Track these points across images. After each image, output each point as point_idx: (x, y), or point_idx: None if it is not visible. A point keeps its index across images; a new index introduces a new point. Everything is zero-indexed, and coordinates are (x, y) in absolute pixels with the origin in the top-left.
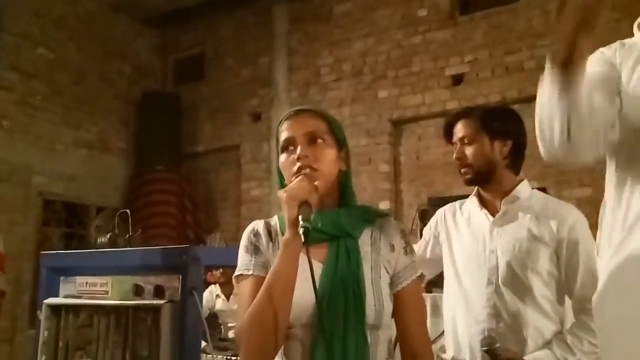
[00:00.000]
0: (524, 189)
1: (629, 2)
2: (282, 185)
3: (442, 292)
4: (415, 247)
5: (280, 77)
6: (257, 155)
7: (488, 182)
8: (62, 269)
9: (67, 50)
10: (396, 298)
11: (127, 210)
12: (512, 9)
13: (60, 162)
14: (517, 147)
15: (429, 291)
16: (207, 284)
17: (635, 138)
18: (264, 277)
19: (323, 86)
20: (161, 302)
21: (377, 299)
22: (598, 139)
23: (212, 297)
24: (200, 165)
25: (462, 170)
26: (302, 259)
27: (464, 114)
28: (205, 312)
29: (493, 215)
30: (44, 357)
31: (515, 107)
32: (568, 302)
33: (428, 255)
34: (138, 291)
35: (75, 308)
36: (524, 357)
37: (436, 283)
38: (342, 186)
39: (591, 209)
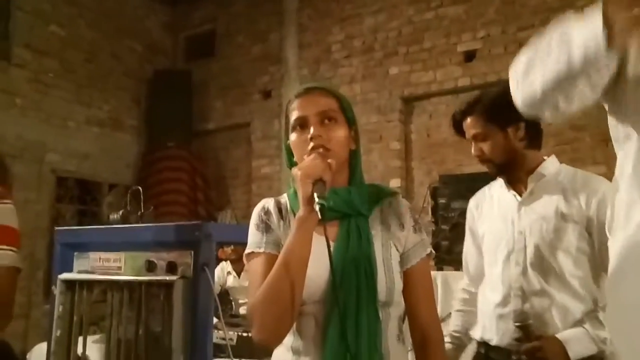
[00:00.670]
0: (551, 165)
1: None
2: (291, 163)
3: (452, 270)
4: (465, 244)
5: (290, 54)
6: (267, 132)
7: (513, 169)
8: (75, 245)
9: (78, 28)
10: (405, 276)
11: (139, 187)
12: None
13: (73, 140)
14: (530, 125)
15: (440, 269)
16: (218, 261)
17: None
18: (276, 255)
19: (334, 63)
20: (174, 278)
21: (389, 277)
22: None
23: (223, 273)
24: (211, 143)
25: (484, 164)
26: (314, 236)
27: (468, 111)
28: (216, 289)
29: (521, 195)
30: (59, 331)
31: None
32: None
33: (475, 249)
34: (151, 267)
35: (89, 283)
36: (556, 335)
37: (447, 261)
38: (352, 165)
39: None
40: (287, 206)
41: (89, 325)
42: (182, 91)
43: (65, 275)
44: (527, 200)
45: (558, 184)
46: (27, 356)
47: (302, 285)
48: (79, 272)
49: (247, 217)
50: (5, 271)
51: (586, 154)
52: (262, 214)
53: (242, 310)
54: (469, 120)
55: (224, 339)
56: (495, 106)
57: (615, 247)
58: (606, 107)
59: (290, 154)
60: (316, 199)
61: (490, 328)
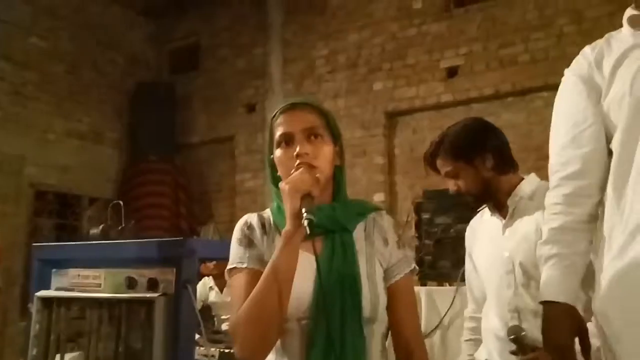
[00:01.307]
0: (527, 185)
1: None
2: (274, 178)
3: (436, 285)
4: (466, 269)
5: (275, 69)
6: (251, 146)
7: (491, 196)
8: (54, 261)
9: (59, 40)
10: (389, 291)
11: (120, 202)
12: (507, 3)
13: (53, 153)
14: (497, 152)
15: (423, 284)
16: (200, 276)
17: (629, 134)
18: (259, 271)
19: (318, 78)
20: (155, 295)
21: (373, 293)
22: None
23: (205, 289)
24: (194, 156)
25: (464, 197)
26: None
27: (434, 153)
28: (198, 304)
29: (505, 217)
30: (35, 349)
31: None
32: None
33: (475, 273)
34: (131, 284)
35: (68, 301)
36: None
37: (430, 276)
38: (336, 181)
39: None
40: (270, 221)
41: (66, 343)
42: (165, 104)
43: (42, 293)
44: (509, 222)
45: (535, 202)
46: None
47: (287, 302)
48: (57, 289)
49: (230, 231)
50: None
51: None
52: (245, 229)
53: (225, 326)
54: (438, 161)
55: (206, 355)
56: (458, 144)
57: (600, 270)
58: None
59: (273, 168)
60: (304, 214)
61: (494, 350)
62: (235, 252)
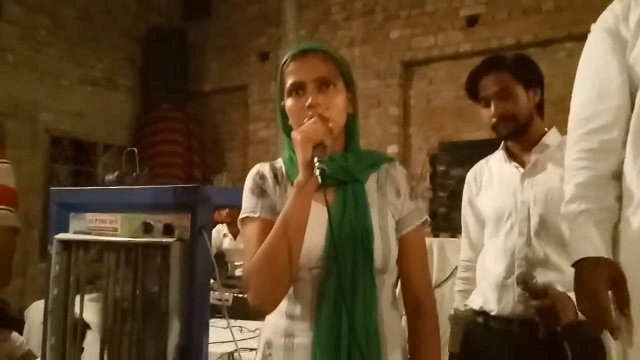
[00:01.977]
0: (553, 137)
1: None
2: (285, 126)
3: (449, 237)
4: (463, 216)
5: (289, 15)
6: (264, 95)
7: (524, 134)
8: (72, 205)
9: None
10: (400, 243)
11: (134, 149)
12: None
13: (67, 99)
14: (542, 92)
15: (436, 236)
16: (214, 223)
17: None
18: (271, 220)
19: (333, 25)
20: (171, 240)
21: (385, 244)
22: None
23: (219, 236)
24: (207, 105)
25: (502, 124)
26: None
27: (492, 67)
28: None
29: (523, 166)
30: (55, 290)
31: (531, 50)
32: None
33: (474, 220)
34: (147, 229)
35: (86, 244)
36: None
37: (443, 228)
38: (349, 130)
39: None
40: (282, 171)
41: (85, 285)
42: (178, 51)
43: (61, 236)
44: (531, 172)
45: (561, 155)
46: (25, 313)
47: (300, 251)
48: (75, 232)
49: (243, 180)
50: (4, 231)
51: None
52: (257, 179)
53: (238, 272)
54: (492, 76)
55: (220, 299)
56: (521, 65)
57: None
58: None
59: (284, 116)
60: (316, 164)
61: (492, 299)
62: (248, 202)
